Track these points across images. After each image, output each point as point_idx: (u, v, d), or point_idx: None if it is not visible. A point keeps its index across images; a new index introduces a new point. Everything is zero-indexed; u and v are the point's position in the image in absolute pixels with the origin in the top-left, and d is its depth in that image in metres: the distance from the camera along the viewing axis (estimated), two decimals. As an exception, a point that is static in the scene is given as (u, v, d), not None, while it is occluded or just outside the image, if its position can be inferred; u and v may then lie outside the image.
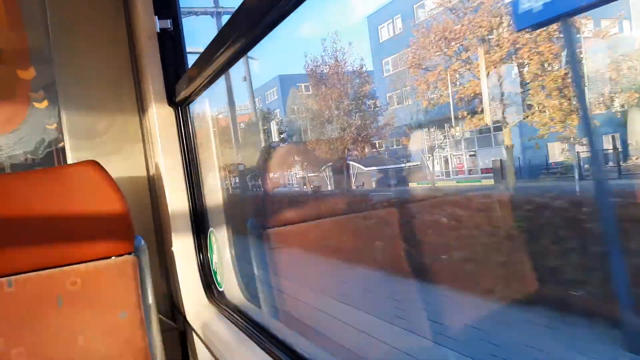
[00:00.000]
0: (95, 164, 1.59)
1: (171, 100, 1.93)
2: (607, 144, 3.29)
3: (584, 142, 3.66)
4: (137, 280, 1.59)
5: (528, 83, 4.17)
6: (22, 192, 1.53)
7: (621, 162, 3.30)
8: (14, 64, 2.13)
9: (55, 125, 2.19)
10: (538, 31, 3.78)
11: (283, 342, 1.44)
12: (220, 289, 1.95)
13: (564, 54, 3.81)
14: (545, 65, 3.95)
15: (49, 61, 2.13)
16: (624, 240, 1.75)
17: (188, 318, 1.97)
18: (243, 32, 1.16)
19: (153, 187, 2.18)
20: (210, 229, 1.98)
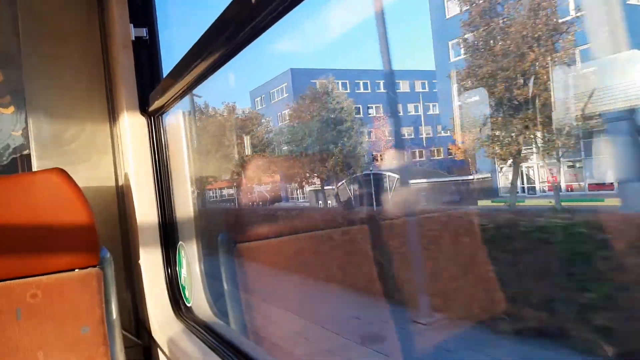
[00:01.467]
0: (61, 172, 1.53)
1: (144, 110, 1.89)
2: None
3: None
4: (101, 294, 1.54)
5: None
6: (-17, 199, 1.46)
7: None
8: (-20, 68, 2.06)
9: (20, 132, 2.12)
10: None
11: (251, 359, 1.40)
12: (188, 305, 1.90)
13: None
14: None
15: (17, 66, 2.07)
16: None
17: (153, 334, 1.91)
18: (221, 44, 1.15)
19: (121, 197, 2.13)
20: (180, 242, 1.93)
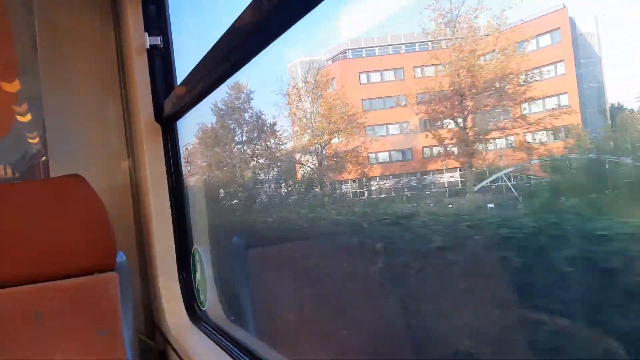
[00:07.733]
0: (78, 177, 1.56)
1: (158, 116, 1.92)
2: None
3: None
4: (117, 298, 1.56)
5: None
6: (2, 205, 1.50)
7: None
8: (0, 77, 2.11)
9: (37, 138, 2.16)
10: None
11: (266, 362, 1.42)
12: (202, 308, 1.92)
13: None
14: None
15: (34, 74, 2.11)
16: None
17: (168, 337, 1.93)
18: (233, 51, 1.16)
19: (137, 203, 2.16)
20: (194, 247, 1.95)
